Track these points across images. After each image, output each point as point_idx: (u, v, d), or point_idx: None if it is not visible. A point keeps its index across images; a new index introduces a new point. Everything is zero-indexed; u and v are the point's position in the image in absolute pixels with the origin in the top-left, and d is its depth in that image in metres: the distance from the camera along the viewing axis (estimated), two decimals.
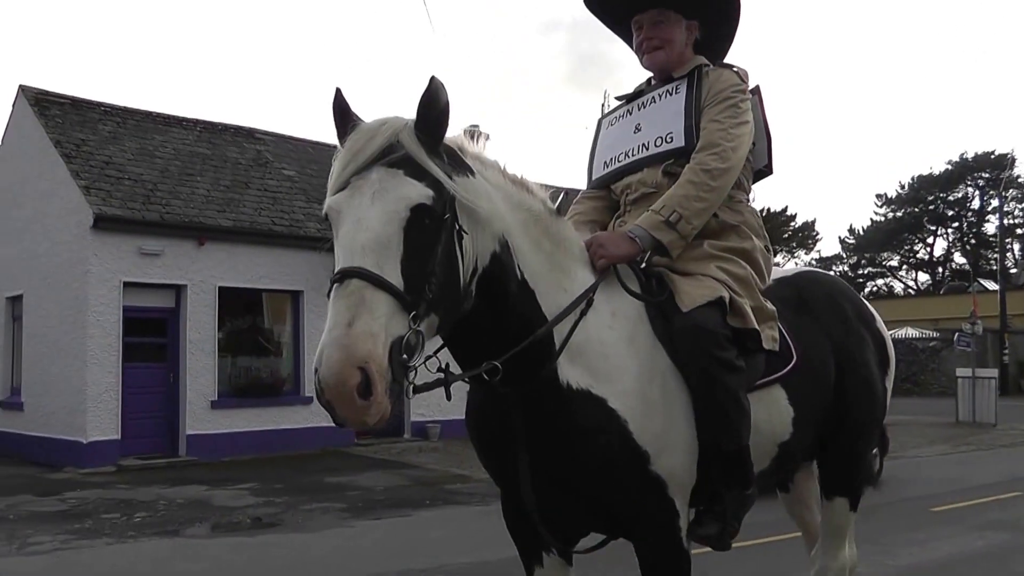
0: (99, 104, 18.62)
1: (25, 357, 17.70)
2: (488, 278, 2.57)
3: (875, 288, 65.41)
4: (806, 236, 57.00)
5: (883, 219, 65.35)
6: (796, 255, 56.49)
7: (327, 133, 18.99)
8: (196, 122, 19.76)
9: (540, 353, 2.67)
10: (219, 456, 15.83)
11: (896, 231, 64.41)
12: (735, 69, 3.36)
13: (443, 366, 2.55)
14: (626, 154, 3.35)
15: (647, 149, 3.30)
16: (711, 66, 3.36)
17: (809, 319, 3.49)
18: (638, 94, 3.49)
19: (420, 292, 2.27)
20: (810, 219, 59.92)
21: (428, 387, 2.40)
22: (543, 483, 2.81)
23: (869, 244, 65.76)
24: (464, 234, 2.44)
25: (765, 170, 3.55)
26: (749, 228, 3.27)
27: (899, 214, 64.60)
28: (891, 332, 4.65)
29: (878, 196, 65.90)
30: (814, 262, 58.18)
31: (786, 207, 59.16)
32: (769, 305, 3.20)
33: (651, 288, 3.01)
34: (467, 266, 2.46)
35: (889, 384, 3.91)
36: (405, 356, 2.20)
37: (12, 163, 18.59)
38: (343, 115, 2.46)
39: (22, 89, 18.07)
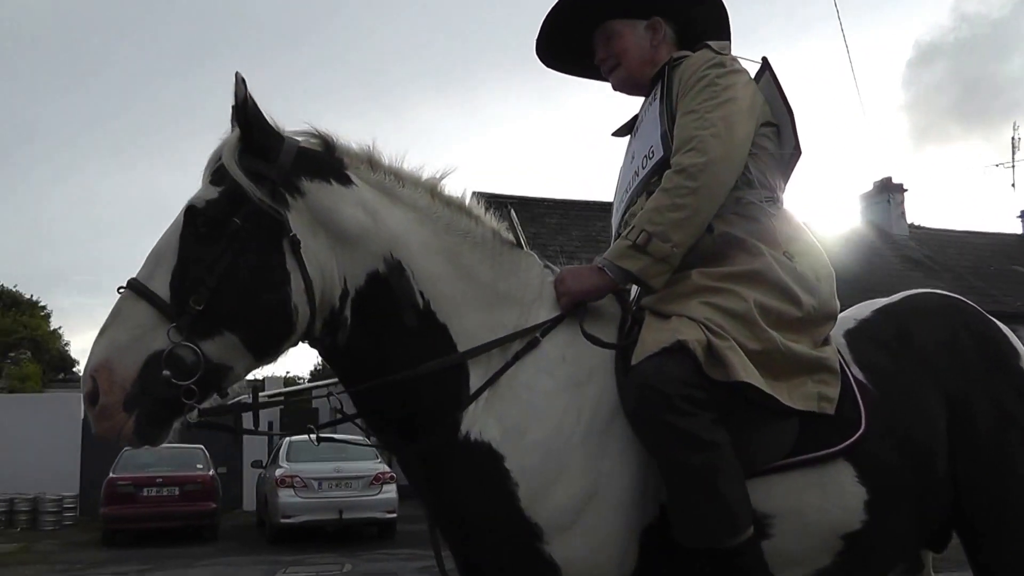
0: (543, 200, 19.73)
1: None
2: (366, 302, 2.31)
3: None
4: None
5: None
6: None
7: None
8: None
9: (441, 400, 2.31)
10: None
11: None
12: (710, 45, 2.65)
13: (339, 406, 2.44)
14: (626, 190, 2.74)
15: (638, 176, 2.69)
16: (684, 54, 2.68)
17: (911, 364, 2.58)
18: (634, 119, 2.89)
19: (183, 303, 2.11)
20: None
21: (214, 416, 2.26)
22: (461, 566, 2.44)
23: None
24: (297, 242, 2.20)
25: (794, 153, 2.67)
26: (764, 239, 2.47)
27: None
28: None
29: None
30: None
31: None
32: (812, 350, 2.41)
33: (627, 334, 2.43)
34: (323, 285, 2.25)
35: None
36: (167, 372, 2.06)
37: None
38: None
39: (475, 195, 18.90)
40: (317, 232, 2.26)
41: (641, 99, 2.84)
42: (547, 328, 2.39)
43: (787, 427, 2.33)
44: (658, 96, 2.67)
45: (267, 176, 2.22)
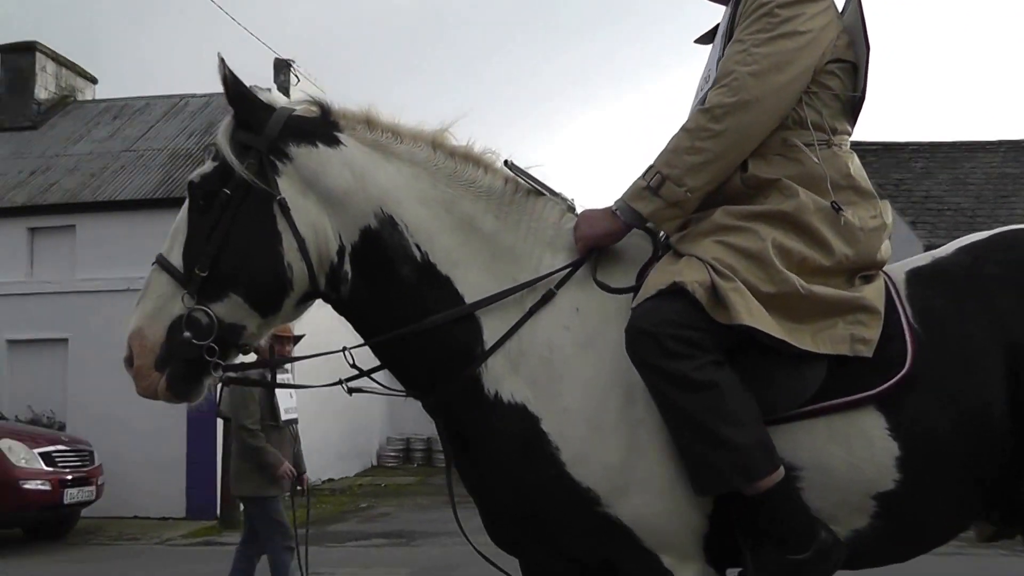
0: (907, 144, 18.89)
1: None
2: (361, 257, 2.38)
3: None
4: None
5: None
6: None
7: None
8: (1000, 143, 18.81)
9: (451, 352, 2.34)
10: None
11: None
12: None
13: (353, 362, 2.49)
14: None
15: (693, 101, 2.55)
16: None
17: (972, 306, 2.28)
18: (716, 27, 2.63)
19: (191, 271, 2.30)
20: None
21: (239, 372, 2.47)
22: (487, 518, 2.47)
23: None
24: (286, 204, 2.33)
25: (857, 97, 2.42)
26: (805, 182, 2.29)
27: None
28: None
29: None
30: None
31: None
32: (845, 291, 2.25)
33: (641, 276, 2.37)
34: (316, 242, 2.35)
35: None
36: (188, 334, 2.27)
37: None
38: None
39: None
40: (307, 193, 2.37)
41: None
42: (564, 278, 2.36)
43: (809, 372, 2.19)
44: (729, 12, 2.47)
45: (253, 147, 2.37)
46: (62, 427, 14.25)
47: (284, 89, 17.85)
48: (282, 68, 18.27)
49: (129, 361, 2.36)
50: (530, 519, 2.32)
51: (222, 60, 2.37)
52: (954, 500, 2.28)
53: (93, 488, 12.24)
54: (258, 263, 2.34)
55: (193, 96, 18.22)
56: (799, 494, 2.20)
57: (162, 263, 2.38)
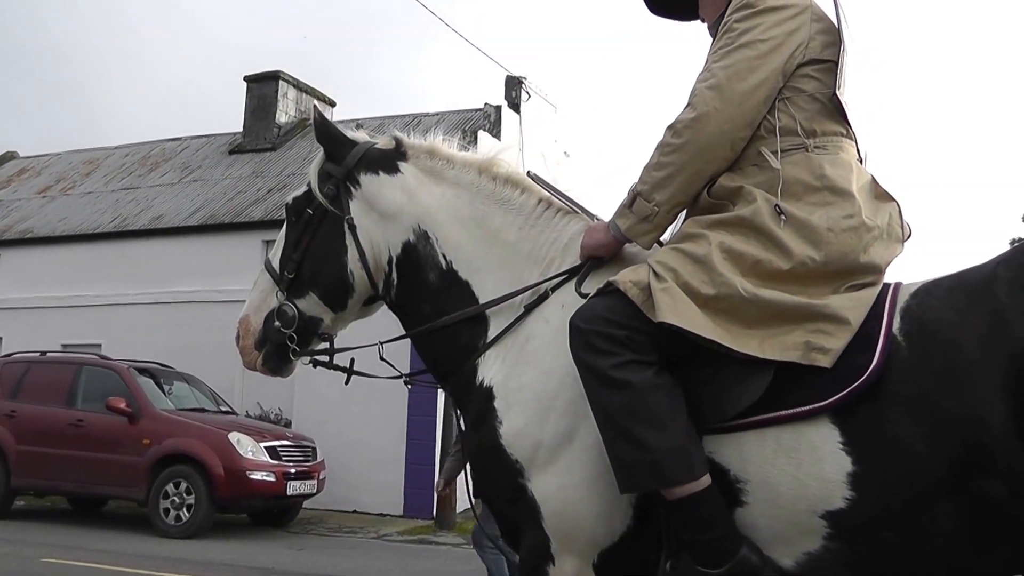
0: None
1: None
2: (403, 266, 2.76)
3: None
4: None
5: None
6: None
7: None
8: None
9: (462, 346, 2.64)
10: None
11: None
12: None
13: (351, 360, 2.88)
14: None
15: None
16: None
17: (977, 317, 2.00)
18: None
19: (282, 273, 2.83)
20: None
21: (314, 356, 2.88)
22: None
23: None
24: (352, 223, 2.76)
25: (832, 97, 2.33)
26: (766, 187, 2.25)
27: None
28: None
29: None
30: None
31: None
32: (806, 298, 2.13)
33: None
34: (373, 253, 2.77)
35: None
36: (278, 323, 2.78)
37: None
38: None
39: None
40: (370, 213, 2.78)
41: None
42: (561, 282, 2.53)
43: (749, 378, 2.12)
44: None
45: (334, 175, 2.82)
46: (288, 424, 14.83)
47: (515, 105, 18.18)
48: (513, 85, 18.52)
49: (237, 339, 2.90)
50: (485, 488, 2.57)
51: (315, 107, 2.97)
52: (943, 530, 2.00)
53: (315, 482, 12.64)
54: (329, 269, 2.80)
55: (426, 115, 18.77)
56: (732, 507, 2.14)
57: (266, 265, 2.89)
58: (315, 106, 2.94)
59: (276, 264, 2.86)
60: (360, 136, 2.94)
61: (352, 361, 2.88)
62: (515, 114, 18.11)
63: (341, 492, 13.78)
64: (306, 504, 13.14)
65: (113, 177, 20.67)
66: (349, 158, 2.82)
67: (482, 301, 2.63)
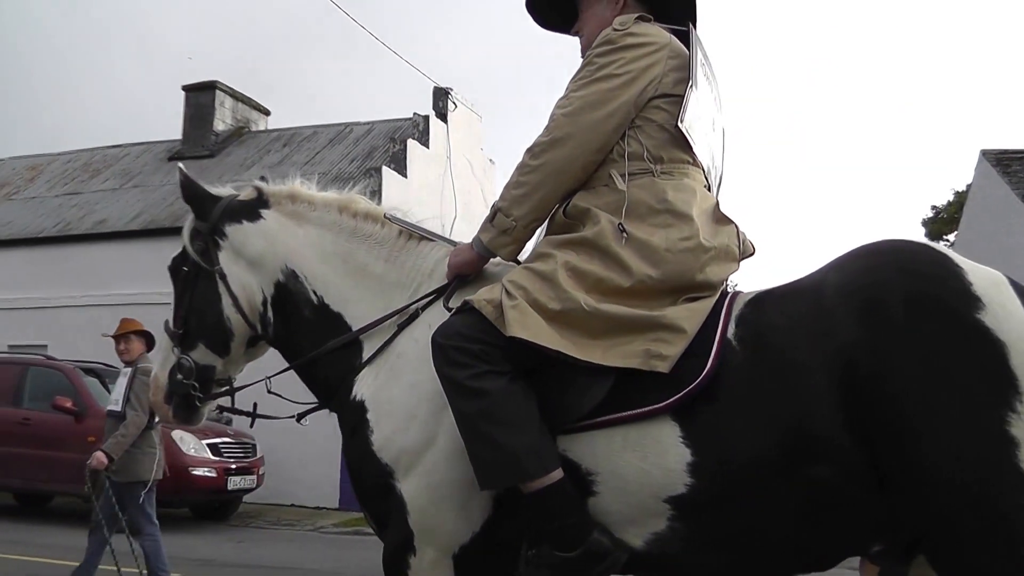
0: None
1: None
2: (277, 304, 2.95)
3: None
4: None
5: None
6: None
7: None
8: None
9: (342, 370, 2.80)
10: None
11: None
12: (618, 22, 2.60)
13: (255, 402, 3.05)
14: None
15: None
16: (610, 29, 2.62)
17: (808, 319, 2.22)
18: None
19: (176, 330, 2.99)
20: None
21: (219, 399, 3.08)
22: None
23: None
24: (223, 273, 2.95)
25: (675, 127, 2.54)
26: (611, 210, 2.46)
27: None
28: None
29: None
30: None
31: None
32: (644, 311, 2.34)
33: None
34: (247, 297, 2.95)
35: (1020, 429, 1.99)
36: (180, 376, 2.94)
37: (976, 223, 18.79)
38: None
39: (983, 153, 18.38)
40: (238, 260, 2.97)
41: None
42: (430, 302, 2.75)
43: (594, 383, 2.32)
44: None
45: (201, 231, 3.01)
46: (229, 423, 14.98)
47: (443, 115, 18.62)
48: (440, 96, 18.89)
49: (153, 396, 3.11)
50: (362, 490, 2.71)
51: (180, 169, 3.12)
52: (782, 513, 2.21)
53: (255, 477, 12.95)
54: (209, 318, 2.97)
55: (356, 124, 19.33)
56: (584, 497, 2.34)
57: (164, 326, 3.08)
58: (180, 168, 3.13)
59: (171, 322, 3.03)
60: (225, 191, 3.12)
61: (255, 405, 3.07)
62: (443, 123, 18.66)
63: (279, 487, 14.19)
64: (246, 498, 13.58)
65: (56, 183, 20.83)
66: (214, 213, 3.00)
67: (352, 327, 2.82)
